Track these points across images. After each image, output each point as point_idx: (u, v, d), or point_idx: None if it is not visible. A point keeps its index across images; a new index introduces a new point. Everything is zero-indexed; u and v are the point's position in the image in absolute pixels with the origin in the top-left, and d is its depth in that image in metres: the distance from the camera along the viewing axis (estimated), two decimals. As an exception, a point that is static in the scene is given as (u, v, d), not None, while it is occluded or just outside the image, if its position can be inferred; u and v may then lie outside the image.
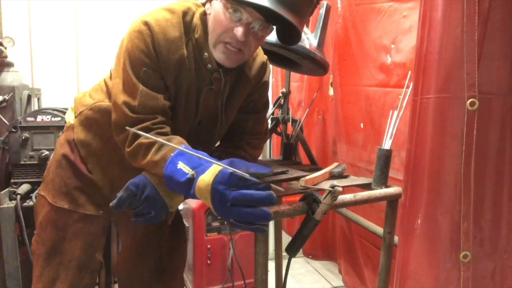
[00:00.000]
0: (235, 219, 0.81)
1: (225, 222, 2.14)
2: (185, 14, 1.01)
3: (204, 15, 1.02)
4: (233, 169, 0.80)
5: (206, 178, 0.82)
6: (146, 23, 0.96)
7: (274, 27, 1.01)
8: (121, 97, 0.98)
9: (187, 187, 0.86)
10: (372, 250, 1.78)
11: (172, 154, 0.90)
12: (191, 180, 0.85)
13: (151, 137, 0.88)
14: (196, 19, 1.01)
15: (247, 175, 0.79)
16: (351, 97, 1.83)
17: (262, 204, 0.80)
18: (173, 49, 0.98)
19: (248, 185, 0.80)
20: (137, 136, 0.96)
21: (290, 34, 0.99)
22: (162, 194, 0.93)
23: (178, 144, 0.93)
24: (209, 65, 1.02)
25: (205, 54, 1.01)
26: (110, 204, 0.90)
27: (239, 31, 0.92)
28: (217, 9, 0.95)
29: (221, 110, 1.11)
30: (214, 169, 0.83)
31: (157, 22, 0.96)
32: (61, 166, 1.18)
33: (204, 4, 1.03)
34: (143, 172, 0.97)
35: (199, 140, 1.12)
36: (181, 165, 0.87)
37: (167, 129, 0.99)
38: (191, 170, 0.86)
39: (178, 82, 1.02)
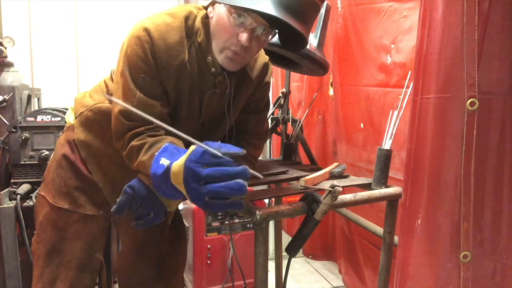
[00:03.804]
0: (209, 197, 0.77)
1: (226, 222, 2.15)
2: (187, 18, 1.00)
3: (205, 18, 1.01)
4: (206, 147, 0.78)
5: (179, 161, 0.80)
6: (145, 29, 0.95)
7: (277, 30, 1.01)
8: (118, 105, 0.98)
9: (165, 178, 0.83)
10: (372, 250, 1.78)
11: (156, 153, 0.88)
12: (168, 171, 0.83)
13: (145, 115, 0.82)
14: (198, 23, 1.01)
15: (220, 153, 0.77)
16: (351, 97, 1.83)
17: (236, 178, 0.77)
18: (173, 54, 0.98)
19: (221, 162, 0.77)
20: (130, 140, 0.96)
21: (293, 38, 0.98)
22: (157, 194, 0.93)
23: (163, 145, 0.91)
24: (213, 69, 1.01)
25: (209, 58, 1.00)
26: (111, 210, 0.90)
27: (243, 36, 0.91)
28: (221, 14, 0.94)
29: (228, 112, 1.11)
30: (187, 152, 0.81)
31: (157, 28, 0.96)
32: (61, 166, 1.18)
33: (206, 8, 1.02)
34: (139, 174, 0.97)
35: (201, 140, 1.12)
36: (162, 161, 0.85)
37: (161, 132, 0.99)
38: (168, 162, 0.84)
39: (179, 87, 1.02)
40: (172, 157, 0.85)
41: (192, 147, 0.81)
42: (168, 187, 0.84)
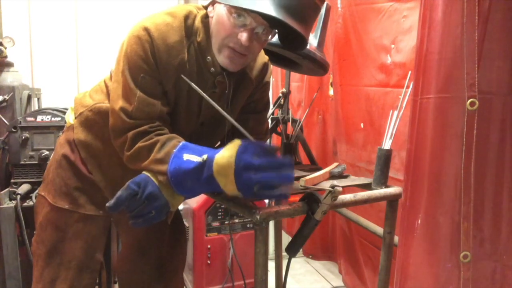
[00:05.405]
0: (258, 187, 0.83)
1: (226, 222, 2.15)
2: (187, 18, 1.00)
3: (205, 18, 1.01)
4: (252, 138, 0.86)
5: (225, 154, 0.85)
6: (145, 29, 0.95)
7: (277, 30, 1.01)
8: (119, 103, 0.98)
9: (198, 172, 0.87)
10: (372, 250, 1.78)
11: (174, 150, 0.91)
12: (202, 165, 0.86)
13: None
14: (198, 22, 1.01)
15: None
16: (351, 97, 1.83)
17: (284, 167, 0.85)
18: (173, 54, 0.98)
19: (269, 153, 0.84)
20: (136, 140, 0.96)
21: (293, 38, 0.98)
22: (164, 192, 0.93)
23: (178, 143, 0.93)
24: (213, 69, 1.02)
25: (208, 57, 1.00)
26: (107, 205, 0.88)
27: (243, 36, 0.91)
28: (220, 13, 0.94)
29: (227, 112, 1.11)
30: (233, 145, 0.85)
31: (157, 27, 0.96)
32: (61, 167, 1.18)
33: (206, 7, 1.02)
34: (144, 172, 0.96)
35: (201, 140, 1.12)
36: (187, 157, 0.89)
37: (166, 130, 0.99)
38: (199, 157, 0.87)
39: (178, 86, 1.02)
40: (200, 152, 0.89)
41: (235, 141, 0.86)
42: (198, 181, 0.88)
